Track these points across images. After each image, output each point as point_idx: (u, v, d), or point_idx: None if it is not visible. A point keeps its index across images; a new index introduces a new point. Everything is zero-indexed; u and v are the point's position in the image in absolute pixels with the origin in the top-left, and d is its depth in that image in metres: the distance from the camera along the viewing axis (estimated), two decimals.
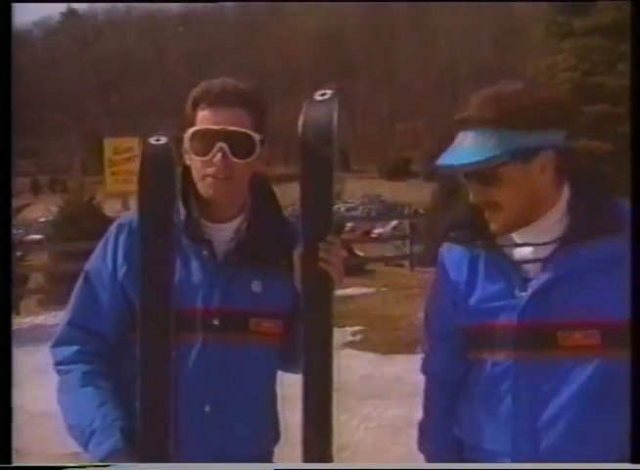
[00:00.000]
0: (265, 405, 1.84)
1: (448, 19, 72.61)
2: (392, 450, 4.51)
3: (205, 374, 1.72)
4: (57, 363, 1.80)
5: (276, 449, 1.88)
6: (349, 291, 10.08)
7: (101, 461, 1.64)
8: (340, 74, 58.47)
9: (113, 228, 1.82)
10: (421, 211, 18.39)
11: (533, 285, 1.60)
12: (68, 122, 69.40)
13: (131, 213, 1.82)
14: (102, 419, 1.68)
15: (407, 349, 6.62)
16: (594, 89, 17.62)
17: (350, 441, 4.60)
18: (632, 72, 1.71)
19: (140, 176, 1.73)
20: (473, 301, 1.68)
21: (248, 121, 1.72)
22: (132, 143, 13.08)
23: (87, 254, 1.89)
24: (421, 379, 1.86)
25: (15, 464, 1.75)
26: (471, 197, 1.63)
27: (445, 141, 1.65)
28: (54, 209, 15.69)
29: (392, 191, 49.07)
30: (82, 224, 13.31)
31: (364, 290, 10.83)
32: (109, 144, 13.55)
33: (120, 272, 1.77)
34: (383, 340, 7.66)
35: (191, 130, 1.73)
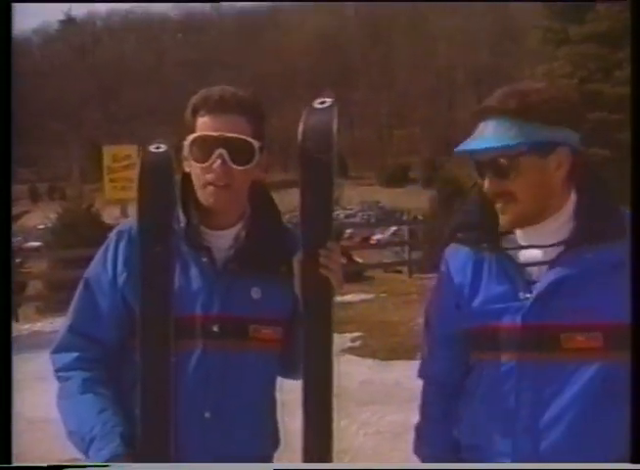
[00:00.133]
0: (265, 411, 1.84)
1: (446, 25, 72.77)
2: (392, 456, 4.52)
3: (205, 380, 1.72)
4: (57, 370, 1.80)
5: (276, 455, 1.88)
6: (349, 297, 10.09)
7: None
8: (337, 81, 58.52)
9: (112, 235, 1.83)
10: (419, 217, 18.38)
11: (538, 287, 1.62)
12: (67, 130, 69.43)
13: (131, 221, 1.83)
14: (102, 425, 1.69)
15: (406, 354, 6.64)
16: (591, 96, 17.65)
17: (350, 446, 4.61)
18: (632, 79, 1.73)
19: (140, 184, 1.74)
20: (476, 302, 1.69)
21: (247, 129, 1.73)
22: (131, 150, 13.13)
23: (86, 261, 1.90)
24: (420, 385, 1.87)
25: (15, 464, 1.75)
26: (485, 187, 1.65)
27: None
28: (53, 216, 15.67)
29: (391, 197, 49.03)
30: (81, 231, 13.32)
31: (363, 296, 10.83)
32: (107, 151, 13.57)
33: (120, 279, 1.77)
34: (382, 346, 7.67)
35: (190, 137, 1.74)
